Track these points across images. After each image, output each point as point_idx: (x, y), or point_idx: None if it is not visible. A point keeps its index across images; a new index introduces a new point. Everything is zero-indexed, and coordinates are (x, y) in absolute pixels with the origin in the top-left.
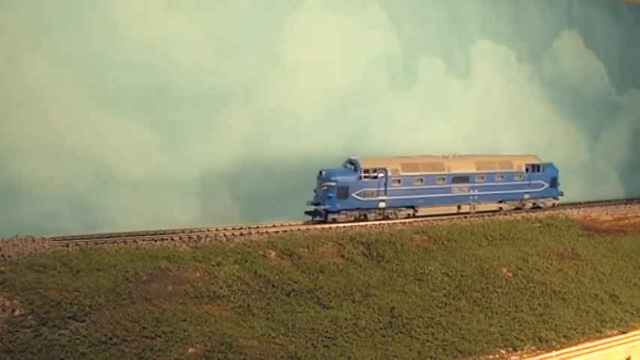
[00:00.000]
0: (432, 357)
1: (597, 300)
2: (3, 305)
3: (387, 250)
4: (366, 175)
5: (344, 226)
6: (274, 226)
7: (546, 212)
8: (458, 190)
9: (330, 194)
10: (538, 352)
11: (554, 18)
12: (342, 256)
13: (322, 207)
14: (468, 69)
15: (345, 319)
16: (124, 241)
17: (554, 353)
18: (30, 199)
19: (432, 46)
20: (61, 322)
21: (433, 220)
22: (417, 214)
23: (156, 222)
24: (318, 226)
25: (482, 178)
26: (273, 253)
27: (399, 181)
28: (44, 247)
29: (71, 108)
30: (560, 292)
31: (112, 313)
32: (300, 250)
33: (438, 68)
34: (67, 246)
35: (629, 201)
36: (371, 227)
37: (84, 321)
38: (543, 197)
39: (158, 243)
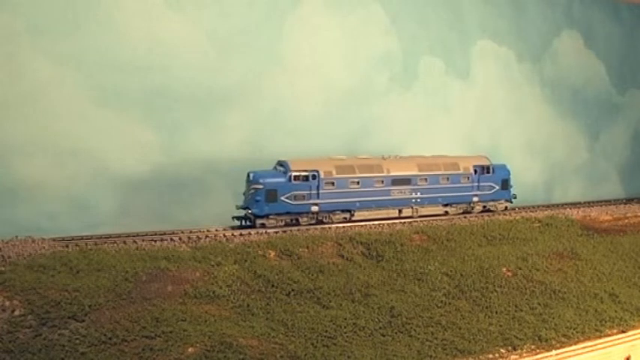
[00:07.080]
0: (431, 356)
1: (597, 299)
2: (3, 305)
3: (386, 250)
4: (297, 177)
5: (343, 227)
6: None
7: (546, 212)
8: (398, 193)
9: (258, 198)
10: (538, 351)
11: (554, 18)
12: (342, 256)
13: (249, 211)
14: (468, 69)
15: (345, 319)
16: (124, 241)
17: (553, 352)
18: (30, 199)
19: (432, 46)
20: (61, 322)
21: (432, 220)
22: (353, 219)
23: (156, 222)
24: (318, 227)
25: (426, 180)
26: (272, 253)
27: (332, 183)
28: (44, 247)
29: (71, 108)
30: (559, 291)
31: (111, 313)
32: (300, 250)
33: (438, 68)
34: (67, 246)
35: (628, 201)
36: (370, 227)
37: (84, 321)
38: (494, 200)
39: (158, 243)
